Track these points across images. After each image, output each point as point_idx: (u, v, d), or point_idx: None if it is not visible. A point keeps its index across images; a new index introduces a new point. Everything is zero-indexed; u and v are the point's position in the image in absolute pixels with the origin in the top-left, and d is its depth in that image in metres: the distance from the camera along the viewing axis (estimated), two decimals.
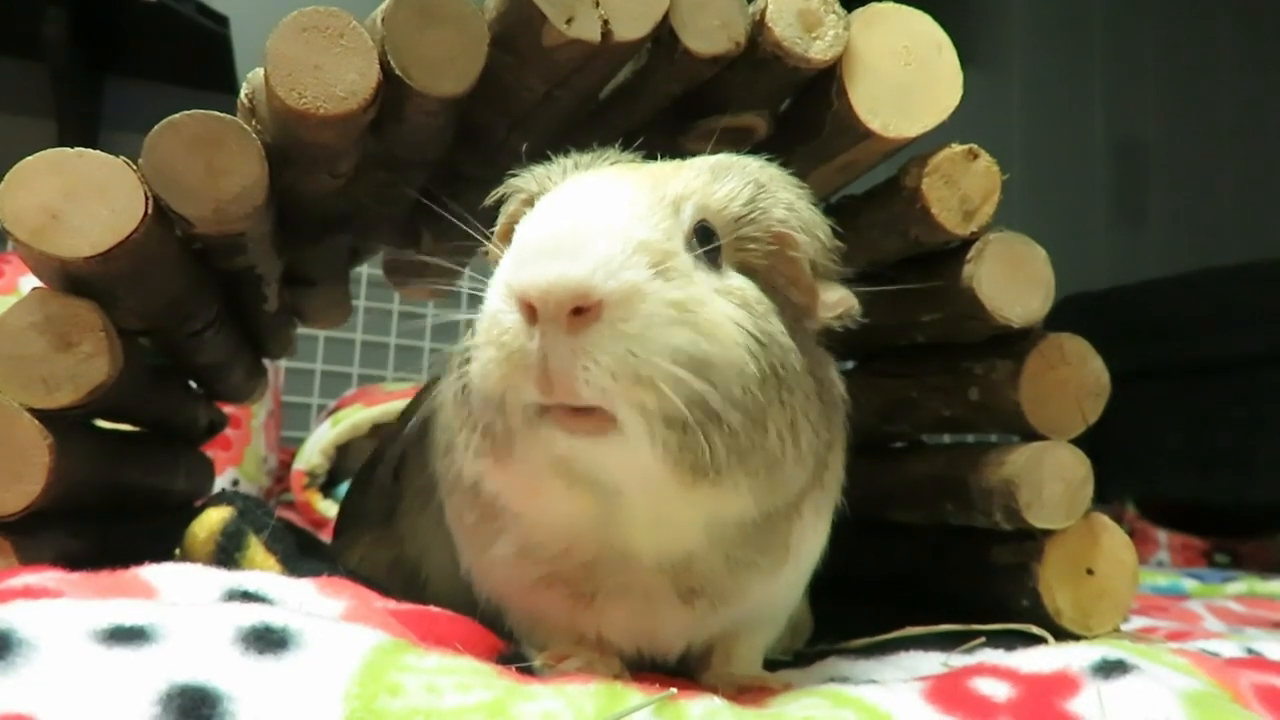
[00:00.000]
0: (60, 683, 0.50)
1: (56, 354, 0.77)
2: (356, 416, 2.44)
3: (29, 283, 2.03)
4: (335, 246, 1.19)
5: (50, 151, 0.77)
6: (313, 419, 2.84)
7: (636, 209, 0.65)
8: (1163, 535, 2.90)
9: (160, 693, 0.50)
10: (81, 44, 2.46)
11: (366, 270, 2.79)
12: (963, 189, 0.92)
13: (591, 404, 0.61)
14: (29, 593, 0.63)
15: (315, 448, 2.42)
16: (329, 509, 2.32)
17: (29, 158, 0.77)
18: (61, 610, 0.56)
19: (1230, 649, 0.97)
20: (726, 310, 0.65)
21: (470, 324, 0.71)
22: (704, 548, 0.70)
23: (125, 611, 0.57)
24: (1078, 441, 0.98)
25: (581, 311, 0.59)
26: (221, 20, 2.51)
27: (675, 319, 0.62)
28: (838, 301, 0.75)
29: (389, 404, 2.42)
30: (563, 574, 0.72)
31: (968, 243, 0.94)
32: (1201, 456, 2.92)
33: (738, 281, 0.69)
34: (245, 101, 0.85)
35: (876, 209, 0.98)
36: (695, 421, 0.61)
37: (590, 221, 0.62)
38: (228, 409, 1.55)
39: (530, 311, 0.60)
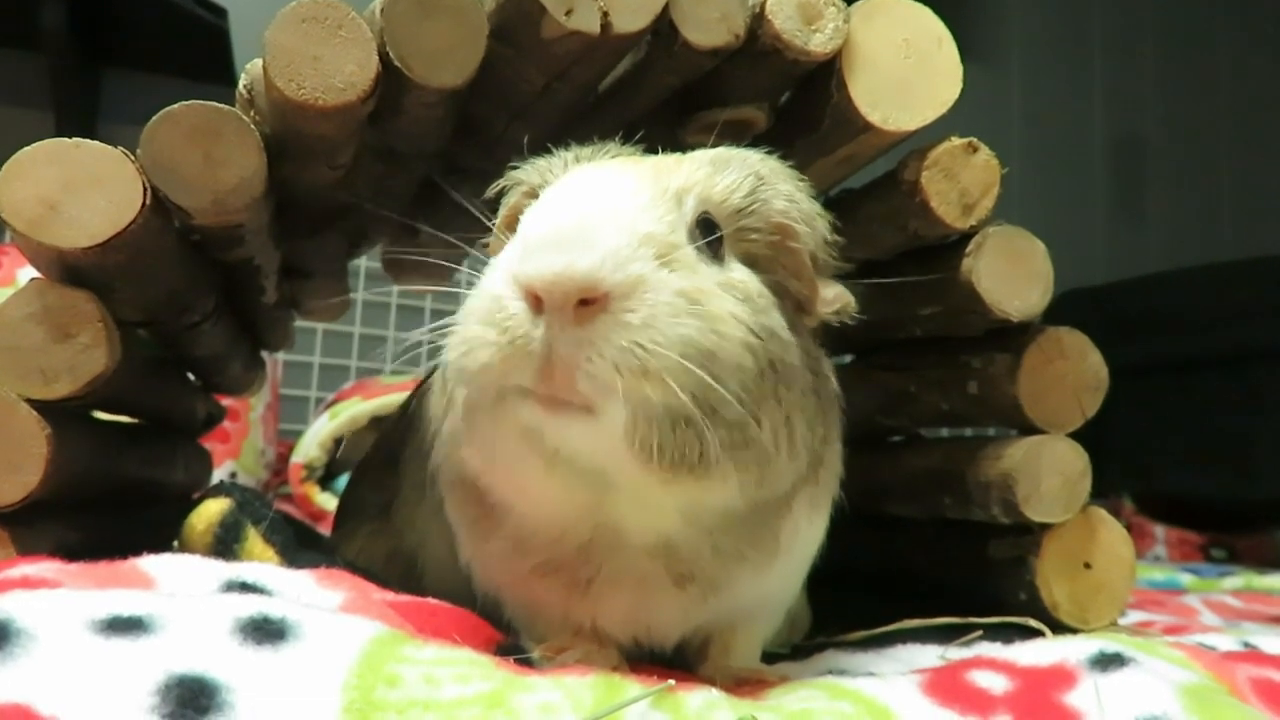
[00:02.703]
0: (58, 673, 0.50)
1: (54, 345, 0.77)
2: (355, 409, 2.44)
3: (26, 274, 2.02)
4: (333, 238, 1.19)
5: (48, 142, 0.77)
6: (311, 412, 2.83)
7: (641, 201, 0.65)
8: (1160, 530, 2.91)
9: (159, 683, 0.50)
10: (79, 35, 2.45)
11: (365, 263, 2.79)
12: (962, 183, 0.92)
13: (582, 401, 0.60)
14: (27, 583, 0.63)
15: (313, 440, 2.42)
16: (327, 502, 2.32)
17: (27, 148, 0.77)
18: (60, 600, 0.56)
19: (1227, 643, 0.97)
20: (728, 304, 0.65)
21: None
22: (685, 534, 0.70)
23: (123, 602, 0.57)
24: (1075, 436, 0.98)
25: (587, 303, 0.59)
26: (219, 11, 2.51)
27: (683, 309, 0.62)
28: (836, 297, 0.75)
29: (387, 397, 2.41)
30: (558, 561, 0.72)
31: (967, 236, 0.94)
32: (1199, 451, 2.93)
33: (740, 274, 0.69)
34: (244, 93, 0.85)
35: (876, 202, 0.98)
36: (694, 414, 0.61)
37: (596, 213, 0.62)
38: (226, 401, 1.55)
39: (536, 302, 0.60)
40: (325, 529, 1.49)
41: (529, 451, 0.64)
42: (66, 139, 0.77)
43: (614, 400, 0.60)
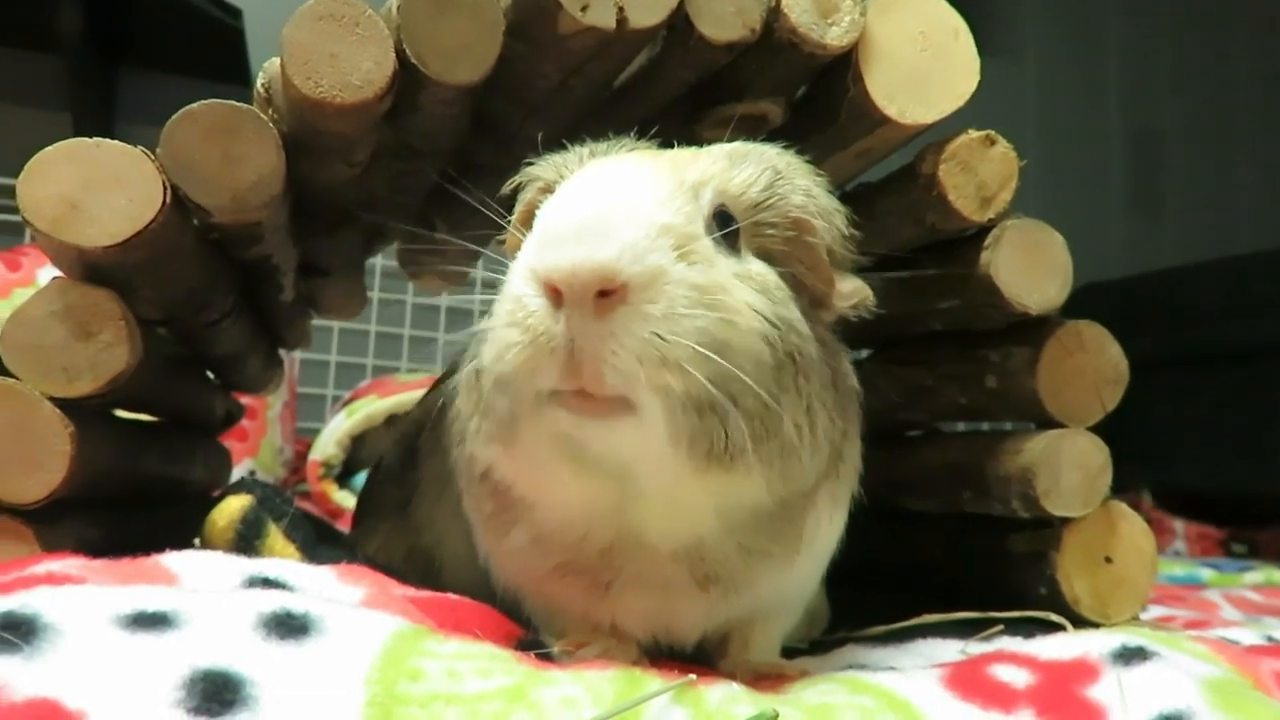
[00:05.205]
0: (85, 667, 0.50)
1: (76, 343, 0.78)
2: (371, 407, 2.45)
3: (46, 275, 2.04)
4: (350, 236, 1.19)
5: (69, 142, 0.78)
6: (328, 410, 2.85)
7: (658, 193, 0.65)
8: (1179, 525, 2.89)
9: (184, 677, 0.50)
10: (96, 37, 2.47)
11: (380, 261, 2.80)
12: (980, 175, 0.91)
13: (614, 393, 0.60)
14: (52, 579, 0.63)
15: (330, 438, 2.43)
16: (345, 499, 2.33)
17: (48, 148, 0.77)
18: (85, 596, 0.57)
19: (1250, 637, 0.96)
20: (746, 296, 0.65)
21: (484, 311, 0.71)
22: (716, 534, 0.70)
23: (147, 597, 0.57)
24: (1094, 430, 0.97)
25: (607, 294, 0.59)
26: (234, 12, 2.52)
27: (698, 302, 0.62)
28: (853, 291, 0.75)
29: (403, 394, 2.43)
30: (579, 563, 0.72)
31: (985, 229, 0.93)
32: (1219, 446, 2.90)
33: (757, 267, 0.69)
34: (261, 91, 0.86)
35: (893, 196, 0.98)
36: (717, 400, 0.61)
37: (614, 205, 0.62)
38: (244, 400, 1.56)
39: (555, 295, 0.60)
40: (343, 526, 1.50)
41: (562, 456, 0.64)
42: (87, 138, 0.78)
43: (648, 393, 0.60)
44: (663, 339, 0.60)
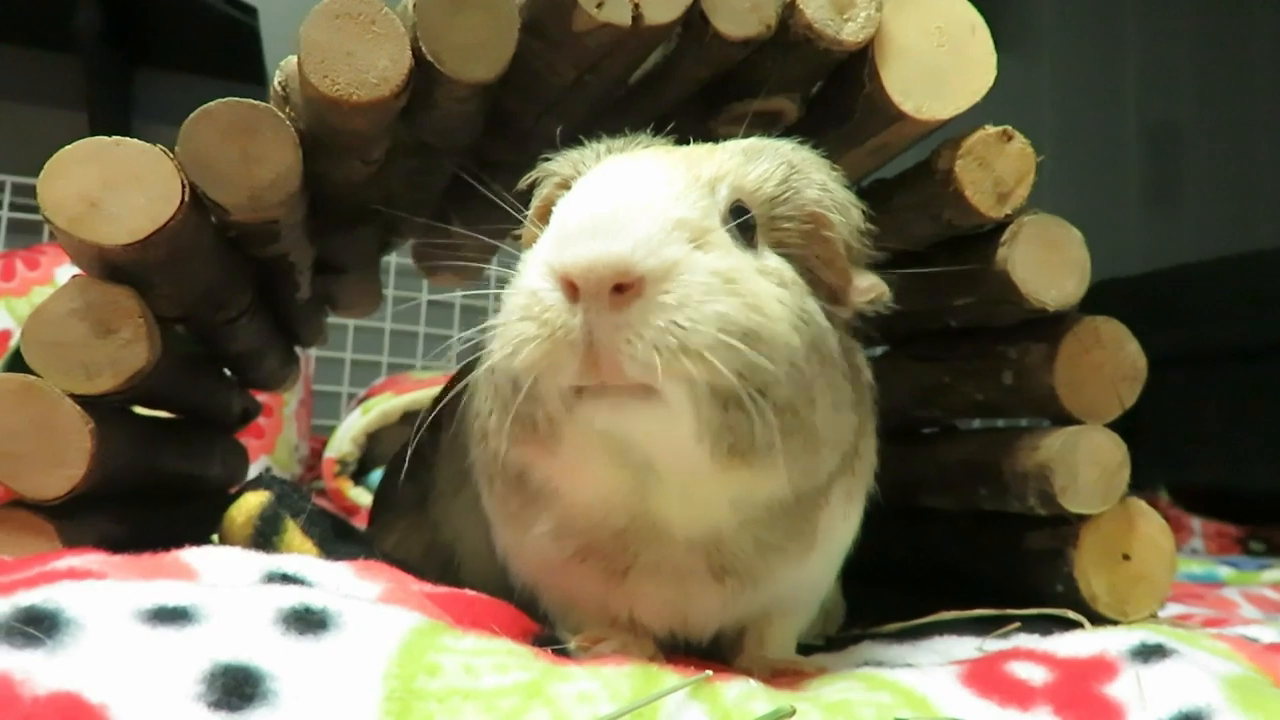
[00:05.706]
0: (107, 661, 0.51)
1: (96, 340, 0.78)
2: (386, 404, 2.46)
3: (64, 273, 2.06)
4: (366, 234, 1.20)
5: (88, 140, 0.78)
6: (343, 407, 2.86)
7: (674, 189, 0.65)
8: (1196, 523, 2.86)
9: (204, 671, 0.51)
10: (112, 37, 2.48)
11: (395, 259, 2.80)
12: (996, 171, 0.91)
13: (635, 382, 0.61)
14: (73, 574, 0.64)
15: (346, 436, 2.45)
16: (360, 496, 2.35)
17: (67, 147, 0.78)
18: (106, 591, 0.57)
19: (1269, 635, 0.96)
20: (768, 285, 0.65)
21: (499, 309, 0.71)
22: (731, 527, 0.70)
23: (168, 592, 0.57)
24: (1111, 427, 0.96)
25: (624, 289, 0.60)
26: (250, 10, 2.53)
27: (719, 288, 0.62)
28: (869, 287, 0.75)
29: (418, 392, 2.44)
30: (597, 546, 0.72)
31: (1001, 225, 0.93)
32: (1237, 443, 2.88)
33: (774, 261, 0.69)
34: (279, 89, 0.86)
35: (909, 192, 0.97)
36: (744, 394, 0.61)
37: (629, 201, 0.63)
38: (260, 397, 1.57)
39: (572, 290, 0.60)
40: (357, 523, 1.50)
41: (603, 449, 0.65)
42: (106, 137, 0.78)
43: (671, 383, 0.60)
44: (680, 326, 0.60)
